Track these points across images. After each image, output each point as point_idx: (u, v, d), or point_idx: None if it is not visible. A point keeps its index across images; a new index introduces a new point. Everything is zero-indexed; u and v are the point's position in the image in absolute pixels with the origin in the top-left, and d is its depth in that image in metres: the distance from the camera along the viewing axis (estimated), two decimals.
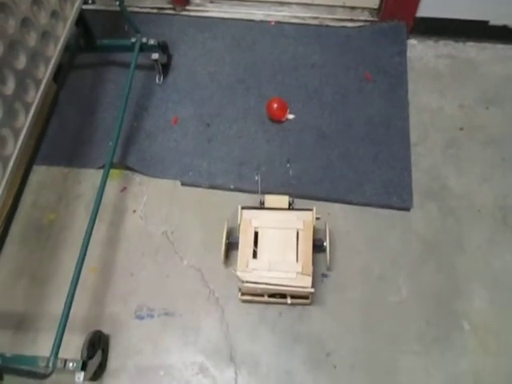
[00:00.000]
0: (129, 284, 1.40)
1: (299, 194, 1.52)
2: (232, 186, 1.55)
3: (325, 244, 1.36)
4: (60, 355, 1.13)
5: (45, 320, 1.37)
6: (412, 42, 1.86)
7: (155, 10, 2.00)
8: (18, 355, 1.12)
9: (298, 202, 1.50)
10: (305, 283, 1.25)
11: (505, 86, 1.74)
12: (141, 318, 1.35)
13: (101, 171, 1.53)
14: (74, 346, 1.25)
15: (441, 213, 1.49)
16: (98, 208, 1.34)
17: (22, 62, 1.18)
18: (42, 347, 1.30)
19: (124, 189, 1.57)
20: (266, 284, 1.26)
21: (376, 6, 1.90)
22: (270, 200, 1.41)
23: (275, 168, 1.58)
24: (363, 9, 1.93)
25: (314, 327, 1.32)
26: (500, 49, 1.82)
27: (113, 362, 1.30)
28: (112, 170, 1.53)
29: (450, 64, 1.80)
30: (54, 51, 1.33)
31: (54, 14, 1.33)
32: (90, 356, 1.18)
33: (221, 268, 1.40)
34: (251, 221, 1.35)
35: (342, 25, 1.91)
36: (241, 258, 1.30)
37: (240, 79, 1.78)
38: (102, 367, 1.26)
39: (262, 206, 1.42)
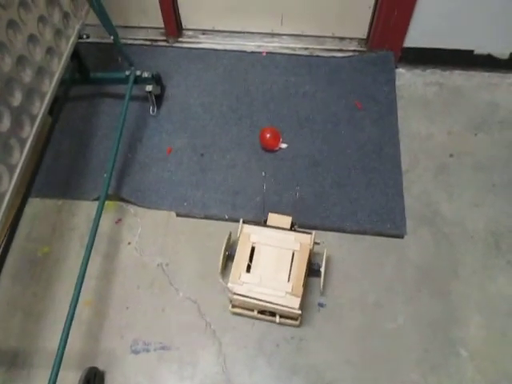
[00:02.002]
0: (124, 317, 1.39)
1: (293, 222, 1.52)
2: (227, 216, 1.55)
3: (321, 269, 1.36)
4: None
5: (39, 356, 1.35)
6: (400, 70, 1.91)
7: (149, 42, 2.03)
8: None
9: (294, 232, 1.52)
10: (293, 304, 1.27)
11: (491, 112, 1.78)
12: (136, 352, 1.33)
13: (95, 203, 1.53)
14: (69, 383, 1.23)
15: (434, 239, 1.50)
16: (93, 240, 1.34)
17: (17, 98, 1.19)
18: None
19: (119, 220, 1.57)
20: (255, 299, 1.28)
21: (364, 36, 1.96)
22: (273, 218, 1.44)
23: (269, 197, 1.59)
24: (352, 39, 1.98)
25: (311, 358, 1.31)
26: (486, 76, 1.87)
27: None
28: (107, 202, 1.53)
29: (437, 91, 1.85)
30: (49, 87, 1.35)
31: (49, 51, 1.35)
32: None
33: (217, 300, 1.39)
34: (250, 235, 1.37)
35: (332, 55, 1.95)
36: (234, 269, 1.33)
37: (233, 109, 1.81)
38: None
39: (263, 223, 1.44)
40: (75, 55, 1.58)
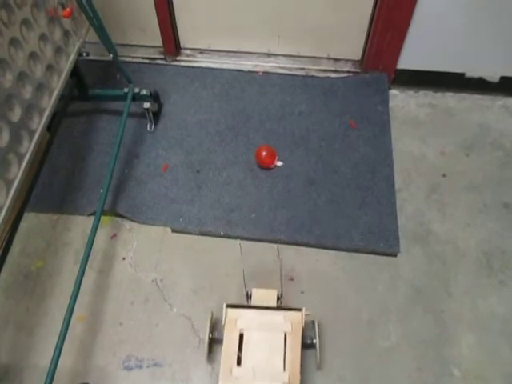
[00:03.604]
0: (117, 333, 1.39)
1: (288, 240, 1.54)
2: (222, 233, 1.56)
3: (314, 341, 1.29)
4: None
5: (31, 371, 1.34)
6: (394, 92, 1.95)
7: (147, 60, 2.07)
8: None
9: (287, 249, 1.53)
10: None
11: (482, 134, 1.81)
12: (129, 368, 1.33)
13: (90, 218, 1.55)
14: None
15: (427, 257, 1.52)
16: (88, 255, 1.34)
17: (17, 114, 1.21)
18: None
19: (114, 235, 1.58)
20: None
21: (358, 58, 2.00)
22: (258, 294, 1.33)
23: (264, 214, 1.60)
24: (347, 60, 2.02)
25: (306, 377, 1.30)
26: (477, 99, 1.92)
27: None
28: (102, 217, 1.53)
29: (430, 113, 1.88)
30: (49, 103, 1.37)
31: (49, 68, 1.37)
32: None
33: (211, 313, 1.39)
34: (236, 321, 1.26)
35: (327, 75, 1.99)
36: (224, 364, 1.20)
37: (229, 127, 1.84)
38: None
39: (247, 303, 1.34)
40: (75, 72, 1.60)
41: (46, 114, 1.35)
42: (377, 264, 1.50)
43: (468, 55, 1.80)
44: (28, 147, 1.26)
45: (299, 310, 1.27)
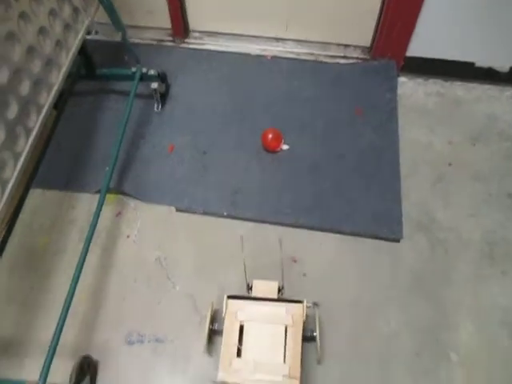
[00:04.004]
0: (120, 309, 1.40)
1: (292, 222, 1.55)
2: (225, 213, 1.57)
3: (315, 334, 1.27)
4: (48, 380, 1.12)
5: (33, 346, 1.36)
6: (402, 79, 1.94)
7: (155, 42, 2.06)
8: (6, 379, 1.11)
9: (291, 231, 1.54)
10: None
11: (490, 124, 1.80)
12: (131, 343, 1.34)
13: (96, 196, 1.56)
14: (62, 371, 1.23)
15: (430, 245, 1.52)
16: (92, 232, 1.35)
17: (25, 87, 1.22)
18: (28, 372, 1.29)
19: (119, 213, 1.59)
20: None
21: (368, 45, 1.99)
22: (259, 286, 1.31)
23: (268, 197, 1.61)
24: (356, 47, 2.01)
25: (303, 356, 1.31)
26: (486, 89, 1.90)
27: None
28: (107, 195, 1.54)
29: (438, 101, 1.87)
30: (57, 78, 1.37)
31: (58, 43, 1.37)
32: (79, 381, 1.17)
33: (213, 295, 1.40)
34: (237, 313, 1.25)
35: (336, 61, 1.98)
36: (223, 356, 1.20)
37: (236, 110, 1.84)
38: None
39: (249, 294, 1.32)
40: (83, 50, 1.60)
41: (54, 89, 1.35)
42: (379, 249, 1.51)
43: (478, 44, 1.79)
44: (36, 121, 1.27)
45: (300, 302, 1.26)
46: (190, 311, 1.40)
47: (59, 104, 1.53)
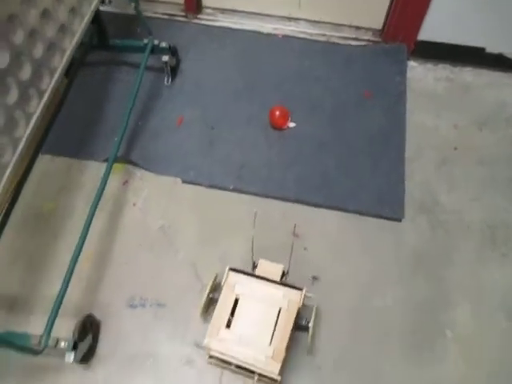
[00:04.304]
0: (123, 273, 1.43)
1: (295, 198, 1.57)
2: (231, 187, 1.59)
3: (309, 325, 1.26)
4: (52, 335, 1.15)
5: (38, 303, 1.39)
6: (412, 63, 1.94)
7: (167, 17, 2.07)
8: (11, 332, 1.14)
9: (294, 207, 1.56)
10: (273, 369, 1.16)
11: (498, 110, 1.81)
12: (133, 306, 1.38)
13: (104, 164, 1.58)
14: (65, 329, 1.25)
15: (431, 226, 1.53)
16: (99, 197, 1.38)
17: (39, 50, 1.24)
18: (33, 328, 1.30)
19: (125, 182, 1.61)
20: (232, 357, 1.18)
21: (380, 27, 1.99)
22: (264, 266, 1.32)
23: (274, 173, 1.63)
24: (367, 29, 2.01)
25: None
26: (495, 76, 1.90)
27: (102, 348, 1.32)
28: (115, 164, 1.56)
29: (447, 87, 1.87)
30: (70, 44, 1.39)
31: (72, 10, 1.39)
32: (81, 338, 1.20)
33: (214, 264, 1.43)
34: (235, 286, 1.26)
35: (347, 43, 1.99)
36: (213, 323, 1.21)
37: (245, 86, 1.85)
38: (91, 351, 1.28)
39: (252, 272, 1.32)
40: (97, 19, 1.62)
41: (67, 54, 1.37)
42: (381, 228, 1.52)
43: (490, 30, 1.78)
44: (48, 84, 1.28)
45: (300, 289, 1.26)
46: (191, 279, 1.42)
47: (71, 72, 1.55)
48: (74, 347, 1.15)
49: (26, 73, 1.19)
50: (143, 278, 1.43)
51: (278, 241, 1.47)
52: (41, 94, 1.26)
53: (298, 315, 1.27)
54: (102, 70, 1.89)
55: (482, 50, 1.85)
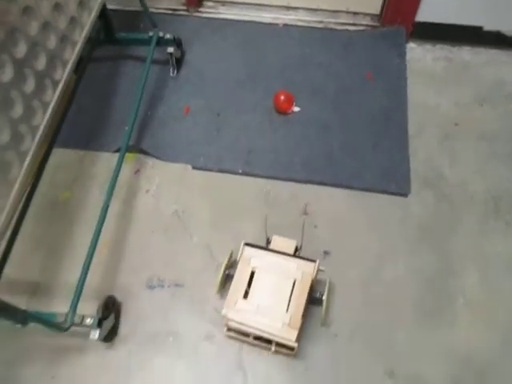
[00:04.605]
0: (140, 257, 1.48)
1: (303, 178, 1.61)
2: (240, 171, 1.64)
3: (323, 298, 1.30)
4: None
5: (59, 288, 1.44)
6: (411, 45, 1.98)
7: (169, 11, 2.12)
8: (39, 312, 1.19)
9: (302, 187, 1.60)
10: (290, 336, 1.21)
11: (497, 87, 1.85)
12: (152, 288, 1.42)
13: (115, 155, 1.64)
14: (87, 312, 1.30)
15: (436, 199, 1.57)
16: (114, 184, 1.43)
17: (52, 42, 1.28)
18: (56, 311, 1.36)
19: (137, 171, 1.66)
20: (250, 327, 1.23)
21: (377, 12, 2.03)
22: (277, 241, 1.38)
23: (281, 156, 1.67)
24: (365, 14, 2.05)
25: None
26: (493, 53, 1.94)
27: (124, 328, 1.36)
28: (126, 154, 1.61)
29: (446, 66, 1.92)
30: (80, 37, 1.44)
31: (80, 3, 1.44)
32: (105, 317, 1.25)
33: (228, 244, 1.46)
34: (250, 259, 1.32)
35: (346, 28, 2.03)
36: (231, 295, 1.27)
37: (249, 75, 1.89)
38: (114, 331, 1.33)
39: (266, 246, 1.38)
40: (103, 14, 1.67)
41: (78, 47, 1.42)
42: (387, 203, 1.56)
43: (487, 8, 1.82)
44: (62, 75, 1.33)
45: (314, 261, 1.31)
46: (206, 259, 1.47)
47: (79, 68, 1.59)
48: (99, 324, 1.20)
49: (41, 63, 1.24)
50: (160, 261, 1.47)
51: (288, 219, 1.52)
52: (55, 84, 1.31)
53: (312, 288, 1.31)
54: (108, 64, 1.93)
55: (479, 28, 1.89)
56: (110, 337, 1.31)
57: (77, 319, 1.17)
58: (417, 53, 1.96)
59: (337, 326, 1.36)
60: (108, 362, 1.32)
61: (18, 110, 1.14)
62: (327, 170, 1.63)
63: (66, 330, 1.16)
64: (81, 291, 1.23)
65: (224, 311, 1.24)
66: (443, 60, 1.93)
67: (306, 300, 1.27)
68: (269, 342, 1.26)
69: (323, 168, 1.64)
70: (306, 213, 1.54)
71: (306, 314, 1.31)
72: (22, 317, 1.05)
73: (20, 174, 1.16)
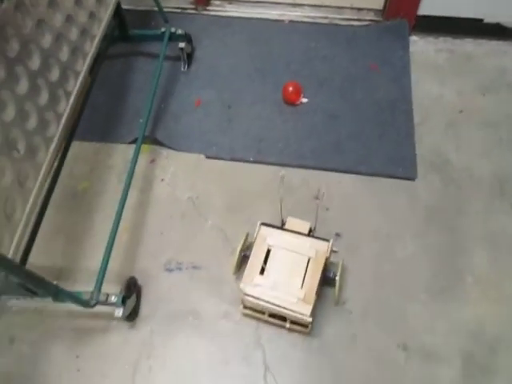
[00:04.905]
0: (158, 242, 1.53)
1: (313, 165, 1.67)
2: (252, 159, 1.69)
3: (336, 278, 1.34)
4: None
5: (80, 273, 1.49)
6: (414, 38, 2.04)
7: (179, 10, 2.19)
8: (65, 290, 1.23)
9: (312, 173, 1.66)
10: (304, 310, 1.25)
11: (499, 76, 1.90)
12: (170, 270, 1.47)
13: (130, 146, 1.70)
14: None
15: (443, 183, 1.63)
16: (132, 172, 1.48)
17: (74, 34, 1.35)
18: None
19: (152, 161, 1.71)
20: (267, 302, 1.27)
21: (381, 8, 2.09)
22: (292, 222, 1.43)
23: (290, 144, 1.73)
24: (369, 10, 2.12)
25: None
26: (494, 44, 2.00)
27: (145, 309, 1.41)
28: (142, 145, 1.67)
29: (448, 57, 1.98)
30: (98, 30, 1.50)
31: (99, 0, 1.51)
32: (128, 296, 1.30)
33: (242, 228, 1.51)
34: (266, 238, 1.37)
35: (350, 24, 2.09)
36: (248, 271, 1.32)
37: (257, 69, 1.95)
38: (135, 311, 1.38)
39: (281, 226, 1.43)
40: (118, 12, 1.73)
41: (96, 40, 1.49)
42: (395, 187, 1.62)
43: (486, 1, 1.89)
44: (82, 66, 1.40)
45: (327, 240, 1.36)
46: (222, 243, 1.52)
47: (94, 68, 1.64)
48: (123, 302, 1.24)
49: (64, 54, 1.30)
50: (177, 245, 1.52)
51: (300, 203, 1.57)
52: (76, 75, 1.37)
53: (326, 268, 1.36)
54: (121, 61, 2.00)
55: (480, 20, 1.95)
56: (132, 316, 1.36)
57: (102, 297, 1.22)
58: (420, 45, 2.02)
59: (351, 303, 1.40)
60: (130, 340, 1.37)
61: (44, 97, 1.20)
62: (336, 157, 1.69)
63: (93, 306, 1.21)
64: (105, 269, 1.28)
65: (242, 285, 1.29)
66: (445, 52, 1.99)
67: (320, 278, 1.32)
68: (284, 319, 1.31)
69: (332, 155, 1.69)
70: (317, 197, 1.59)
71: (320, 294, 1.36)
72: (54, 290, 1.10)
73: (46, 158, 1.22)
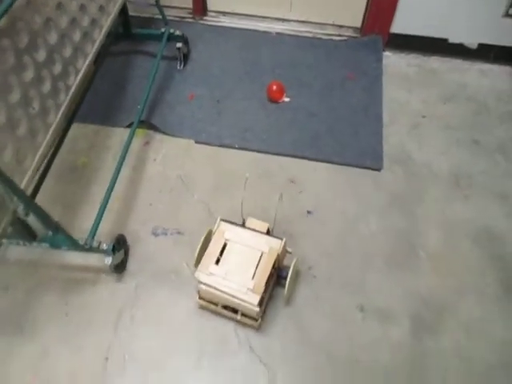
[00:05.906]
0: (147, 211, 1.69)
1: (291, 153, 1.86)
2: (237, 146, 1.88)
3: (288, 277, 1.40)
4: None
5: (76, 233, 1.62)
6: (387, 53, 2.29)
7: (178, 18, 2.42)
8: (64, 229, 1.37)
9: (290, 160, 1.85)
10: (252, 300, 1.32)
11: (460, 89, 2.14)
12: (156, 234, 1.63)
13: (127, 130, 1.87)
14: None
15: (405, 174, 1.82)
16: (127, 148, 1.65)
17: (86, 21, 1.55)
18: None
19: (147, 143, 1.89)
20: (218, 290, 1.35)
21: (359, 25, 2.35)
22: (251, 222, 1.51)
23: (272, 136, 1.92)
24: (348, 27, 2.37)
25: (298, 249, 1.59)
26: (458, 63, 2.26)
27: (132, 266, 1.56)
28: (137, 129, 1.84)
29: (417, 71, 2.22)
30: (106, 21, 1.71)
31: None
32: (117, 249, 1.45)
33: (225, 204, 1.69)
34: (225, 232, 1.44)
35: (331, 38, 2.34)
36: (204, 260, 1.39)
37: (246, 71, 2.17)
38: (123, 264, 1.52)
39: (242, 225, 1.50)
40: (122, 12, 1.95)
41: (104, 30, 1.68)
42: (363, 175, 1.81)
43: (451, 22, 2.14)
44: (83, 63, 1.57)
45: (281, 239, 1.44)
46: (205, 214, 1.69)
47: (98, 60, 1.83)
48: (113, 251, 1.40)
49: (67, 51, 1.48)
50: (164, 214, 1.68)
51: (275, 185, 1.75)
52: (77, 71, 1.53)
53: (279, 266, 1.44)
54: (122, 58, 2.21)
55: (444, 40, 2.21)
56: (119, 269, 1.50)
57: (95, 243, 1.37)
58: (392, 60, 2.27)
59: (316, 269, 1.57)
60: (116, 292, 1.51)
61: (46, 87, 1.36)
62: (313, 148, 1.89)
63: (87, 250, 1.36)
64: (100, 219, 1.43)
65: (196, 274, 1.37)
66: (415, 66, 2.24)
67: (271, 272, 1.39)
68: (235, 311, 1.41)
69: (309, 146, 1.89)
70: (292, 181, 1.78)
71: (271, 290, 1.48)
72: (54, 225, 1.25)
73: (44, 141, 1.36)
